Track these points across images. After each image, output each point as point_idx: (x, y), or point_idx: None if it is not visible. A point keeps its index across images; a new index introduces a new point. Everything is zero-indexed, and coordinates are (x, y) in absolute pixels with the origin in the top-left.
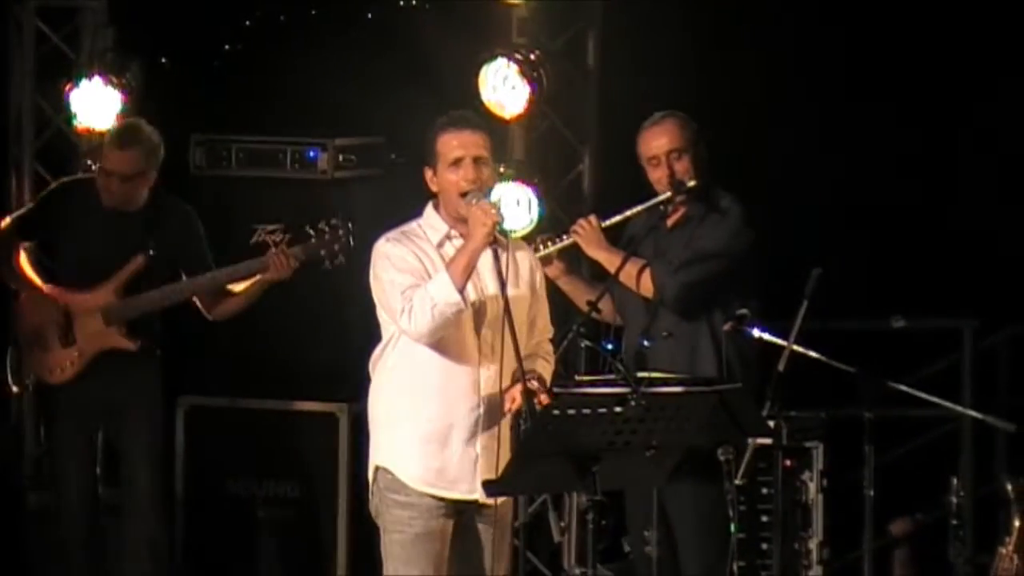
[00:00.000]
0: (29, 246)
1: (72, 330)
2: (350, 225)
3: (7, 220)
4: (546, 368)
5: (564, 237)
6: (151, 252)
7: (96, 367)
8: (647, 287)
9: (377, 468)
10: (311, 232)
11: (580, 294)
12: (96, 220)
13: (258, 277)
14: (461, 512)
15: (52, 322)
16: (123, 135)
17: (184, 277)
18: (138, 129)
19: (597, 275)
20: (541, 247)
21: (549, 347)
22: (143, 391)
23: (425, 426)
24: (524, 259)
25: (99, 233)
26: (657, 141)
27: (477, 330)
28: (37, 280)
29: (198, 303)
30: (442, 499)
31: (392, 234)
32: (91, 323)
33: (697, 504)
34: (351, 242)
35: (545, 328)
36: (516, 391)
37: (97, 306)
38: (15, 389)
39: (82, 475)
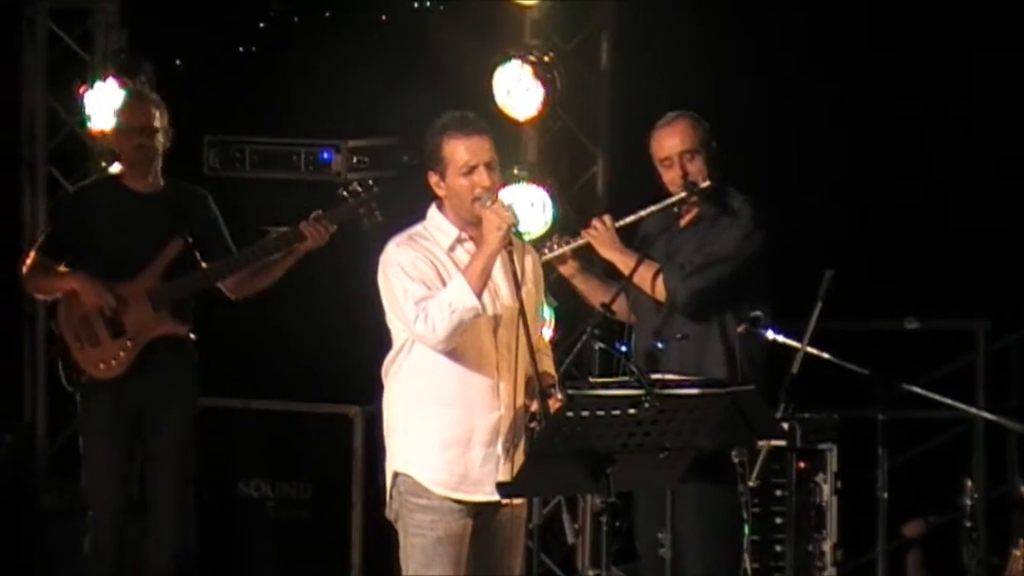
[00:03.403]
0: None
1: (120, 321)
2: (372, 184)
3: (32, 254)
4: (549, 364)
5: (578, 237)
6: (188, 236)
7: (137, 365)
8: (659, 291)
9: (396, 474)
10: (344, 194)
11: (595, 292)
12: (120, 214)
13: (293, 248)
14: (479, 513)
15: (98, 315)
16: (134, 92)
17: (202, 261)
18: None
19: (610, 273)
20: (556, 247)
21: (544, 339)
22: (180, 393)
23: (446, 431)
24: (527, 256)
25: (127, 226)
26: (670, 142)
27: (494, 332)
28: (80, 279)
29: (223, 285)
30: (464, 503)
31: (399, 239)
32: (139, 311)
33: (701, 505)
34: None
35: (542, 323)
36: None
37: (144, 291)
38: (70, 390)
39: (117, 478)
